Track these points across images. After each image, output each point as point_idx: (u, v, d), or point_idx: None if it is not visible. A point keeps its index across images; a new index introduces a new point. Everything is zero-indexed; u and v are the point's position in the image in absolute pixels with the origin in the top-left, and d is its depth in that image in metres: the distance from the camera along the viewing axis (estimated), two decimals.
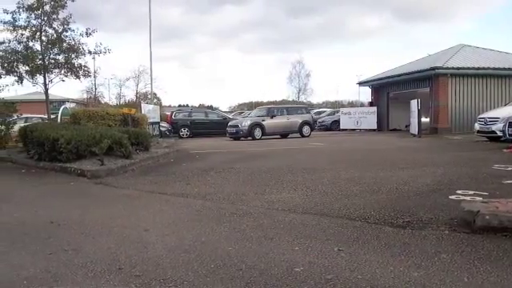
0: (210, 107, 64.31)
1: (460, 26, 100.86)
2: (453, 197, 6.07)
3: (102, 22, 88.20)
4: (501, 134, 13.87)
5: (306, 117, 24.39)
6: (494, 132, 14.84)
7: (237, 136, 22.25)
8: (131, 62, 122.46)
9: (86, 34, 16.41)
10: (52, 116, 19.23)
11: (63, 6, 16.05)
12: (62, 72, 16.57)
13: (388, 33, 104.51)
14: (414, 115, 21.06)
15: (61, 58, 16.43)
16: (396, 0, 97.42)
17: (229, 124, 23.87)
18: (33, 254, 4.08)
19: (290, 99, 66.53)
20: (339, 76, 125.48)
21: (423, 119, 22.20)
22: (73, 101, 43.78)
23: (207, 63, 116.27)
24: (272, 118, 23.00)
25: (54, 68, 16.47)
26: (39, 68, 16.00)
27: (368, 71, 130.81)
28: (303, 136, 23.29)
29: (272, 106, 28.80)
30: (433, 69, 22.64)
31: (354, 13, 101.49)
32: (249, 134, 22.08)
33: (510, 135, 12.48)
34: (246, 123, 22.56)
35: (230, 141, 21.77)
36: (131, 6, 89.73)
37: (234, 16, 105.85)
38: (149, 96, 39.61)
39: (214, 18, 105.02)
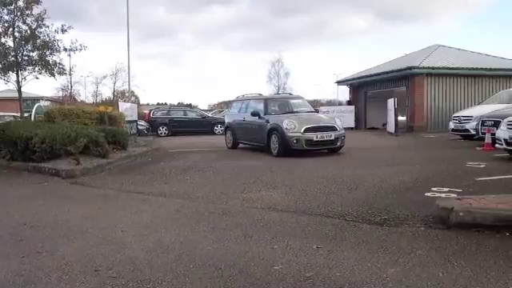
0: (189, 106, 63.94)
1: (443, 26, 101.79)
2: (428, 194, 6.18)
3: (84, 21, 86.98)
4: (474, 133, 14.14)
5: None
6: (467, 130, 15.16)
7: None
8: (112, 60, 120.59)
9: (62, 30, 16.22)
10: (25, 114, 18.89)
11: (37, 2, 15.77)
12: (36, 69, 16.32)
13: (370, 33, 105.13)
14: (391, 114, 21.31)
15: (35, 54, 16.19)
16: (379, 1, 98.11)
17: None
18: (4, 258, 3.98)
19: None
20: (319, 75, 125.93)
21: (400, 118, 22.48)
22: (47, 99, 43.04)
23: (191, 62, 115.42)
24: None
25: (28, 65, 16.21)
26: (12, 65, 15.71)
27: (348, 71, 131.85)
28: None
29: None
30: (409, 68, 22.94)
31: (338, 13, 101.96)
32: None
33: (482, 133, 12.73)
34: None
35: (209, 138, 19.69)
36: (114, 5, 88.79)
37: (220, 15, 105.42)
38: (126, 94, 39.16)
39: (199, 17, 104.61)
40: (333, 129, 12.30)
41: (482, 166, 8.95)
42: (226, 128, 15.88)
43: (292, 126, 11.90)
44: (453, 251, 3.84)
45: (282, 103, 14.16)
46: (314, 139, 11.86)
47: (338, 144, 12.28)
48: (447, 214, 4.58)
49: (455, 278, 3.25)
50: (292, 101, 14.48)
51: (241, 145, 14.68)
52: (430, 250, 3.90)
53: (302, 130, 11.84)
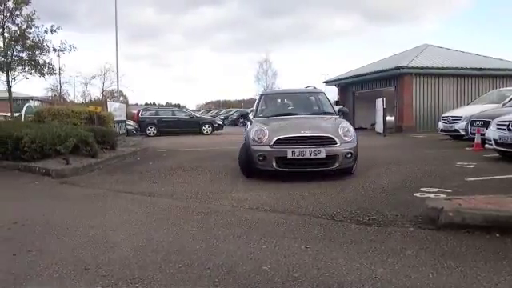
0: (177, 106, 63.72)
1: (427, 27, 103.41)
2: (417, 194, 6.19)
3: (73, 22, 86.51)
4: (463, 133, 14.23)
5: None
6: (456, 130, 15.26)
7: None
8: (100, 60, 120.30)
9: (51, 31, 16.16)
10: (16, 114, 18.75)
11: (27, 2, 15.67)
12: (26, 69, 16.22)
13: (357, 34, 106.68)
14: (380, 114, 21.38)
15: (24, 55, 16.10)
16: (366, 2, 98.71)
17: None
18: None
19: None
20: (307, 75, 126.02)
21: (388, 118, 22.57)
22: (37, 99, 42.65)
23: (179, 62, 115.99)
24: None
25: (18, 65, 16.12)
26: (2, 65, 15.60)
27: (336, 71, 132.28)
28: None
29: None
30: (398, 68, 23.05)
31: (325, 14, 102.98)
32: None
33: (472, 134, 12.80)
34: None
35: (198, 138, 20.74)
36: (103, 6, 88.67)
37: (208, 16, 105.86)
38: (115, 94, 38.92)
39: (187, 19, 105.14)
40: (328, 141, 7.73)
41: (472, 166, 8.99)
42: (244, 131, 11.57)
43: (261, 136, 7.87)
44: (442, 252, 3.85)
45: (283, 101, 10.39)
46: (289, 156, 7.52)
47: (336, 165, 7.71)
48: (437, 214, 4.58)
49: (445, 279, 3.26)
50: (299, 99, 10.34)
51: None
52: (420, 250, 3.91)
53: (272, 143, 7.69)
